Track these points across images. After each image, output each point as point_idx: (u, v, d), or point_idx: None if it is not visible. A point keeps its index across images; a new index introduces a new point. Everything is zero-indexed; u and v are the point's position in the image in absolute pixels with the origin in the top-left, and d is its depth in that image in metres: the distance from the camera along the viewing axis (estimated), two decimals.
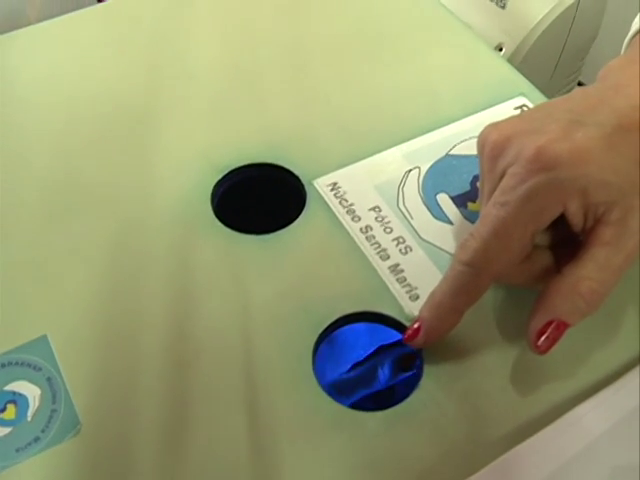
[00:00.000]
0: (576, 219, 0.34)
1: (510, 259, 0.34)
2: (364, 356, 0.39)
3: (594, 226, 0.34)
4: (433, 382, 0.35)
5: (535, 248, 0.35)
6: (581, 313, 0.34)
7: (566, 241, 0.36)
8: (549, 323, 0.33)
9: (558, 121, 0.35)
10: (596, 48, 0.90)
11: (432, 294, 0.36)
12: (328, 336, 0.37)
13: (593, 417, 0.33)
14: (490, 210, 0.34)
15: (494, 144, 0.36)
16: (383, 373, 0.39)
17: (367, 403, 0.37)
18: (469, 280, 0.34)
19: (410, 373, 0.37)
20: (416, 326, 0.35)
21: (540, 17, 0.67)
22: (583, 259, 0.34)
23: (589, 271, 0.33)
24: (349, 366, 0.39)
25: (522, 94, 0.48)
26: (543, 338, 0.33)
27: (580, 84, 1.01)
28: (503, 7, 0.66)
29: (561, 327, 0.33)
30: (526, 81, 0.49)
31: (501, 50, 0.69)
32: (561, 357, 0.36)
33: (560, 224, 0.34)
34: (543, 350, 0.34)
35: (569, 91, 0.95)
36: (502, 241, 0.34)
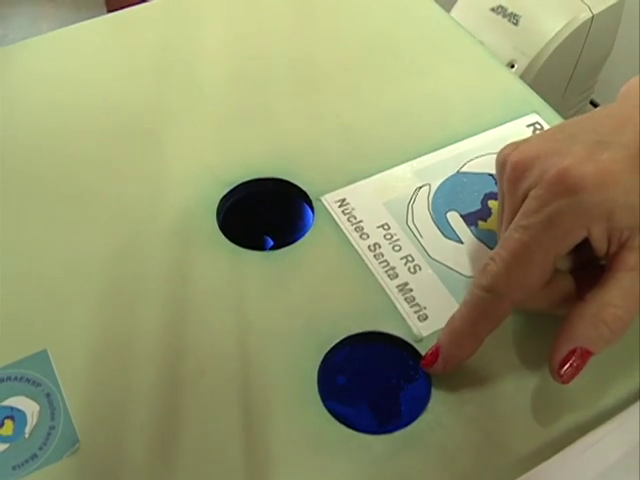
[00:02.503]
0: (600, 243, 0.33)
1: (532, 284, 0.33)
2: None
3: (618, 251, 0.33)
4: (440, 405, 0.34)
5: (556, 272, 0.34)
6: (605, 341, 0.33)
7: (587, 265, 0.35)
8: (573, 351, 0.32)
9: (582, 142, 0.34)
10: (609, 66, 0.90)
11: (452, 319, 0.35)
12: (333, 356, 0.36)
13: (606, 444, 0.32)
14: (512, 234, 0.33)
15: (515, 165, 0.35)
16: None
17: (369, 420, 0.36)
18: (489, 306, 0.33)
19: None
20: (434, 351, 0.35)
21: (553, 34, 0.67)
22: (607, 285, 0.33)
23: (613, 298, 0.32)
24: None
25: (535, 111, 0.48)
26: (566, 367, 0.33)
27: (592, 102, 1.01)
28: (516, 24, 0.66)
29: (585, 355, 0.32)
30: (539, 98, 0.49)
31: (513, 67, 0.69)
32: (573, 383, 0.35)
33: (582, 248, 0.33)
34: (566, 379, 0.33)
35: (581, 109, 0.94)
36: (524, 266, 0.33)
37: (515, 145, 0.37)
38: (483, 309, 0.33)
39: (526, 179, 0.34)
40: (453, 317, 0.35)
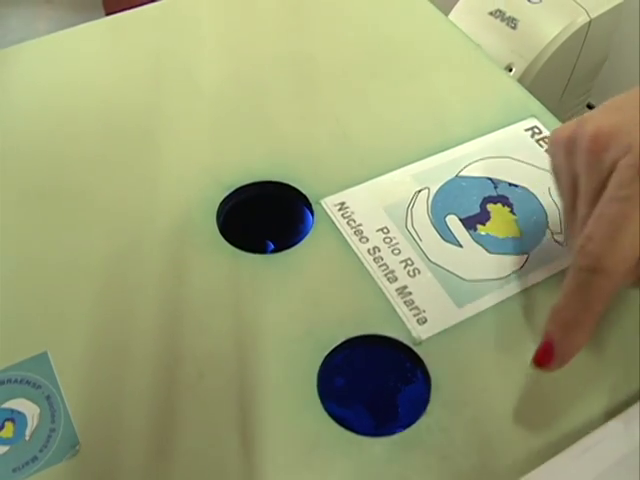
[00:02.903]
0: None
1: (637, 256, 0.31)
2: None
3: None
4: (440, 408, 0.34)
5: None
6: None
7: None
8: None
9: None
10: (606, 69, 0.90)
11: (557, 311, 0.33)
12: (333, 359, 0.36)
13: (604, 446, 0.32)
14: (609, 207, 0.31)
15: (596, 136, 0.33)
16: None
17: (368, 422, 0.36)
18: (599, 286, 0.31)
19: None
20: (546, 348, 0.33)
21: (551, 38, 0.67)
22: None
23: None
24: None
25: (533, 116, 0.48)
26: None
27: (589, 105, 1.01)
28: (514, 27, 0.66)
29: None
30: (537, 102, 0.49)
31: (511, 70, 0.69)
32: (572, 385, 0.35)
33: None
34: None
35: (578, 112, 0.95)
36: (629, 238, 0.31)
37: (583, 120, 0.34)
38: (592, 291, 0.32)
39: (613, 149, 0.32)
40: (558, 309, 0.33)
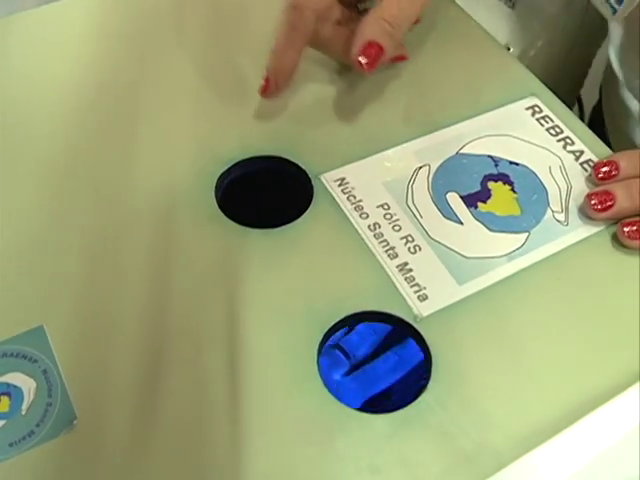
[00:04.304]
0: None
1: None
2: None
3: None
4: (440, 385, 0.34)
5: (348, 19, 0.45)
6: (389, 34, 0.41)
7: None
8: (364, 44, 0.41)
9: None
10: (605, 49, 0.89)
11: (272, 48, 0.43)
12: (333, 336, 0.36)
13: (604, 426, 0.33)
14: None
15: None
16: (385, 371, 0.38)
17: (368, 398, 0.36)
18: (295, 18, 0.42)
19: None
20: (265, 79, 0.43)
21: (549, 17, 0.66)
22: (381, 1, 0.42)
23: (387, 3, 0.42)
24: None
25: (533, 94, 0.47)
26: (363, 57, 0.41)
27: (579, 100, 1.00)
28: (512, 7, 0.66)
29: (376, 47, 0.41)
30: (537, 81, 0.49)
31: (509, 49, 0.69)
32: (573, 363, 0.35)
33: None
34: (366, 66, 0.41)
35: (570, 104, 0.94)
36: None
37: None
38: (291, 22, 0.42)
39: None
40: (274, 46, 0.43)
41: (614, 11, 0.42)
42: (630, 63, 0.57)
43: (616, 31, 0.57)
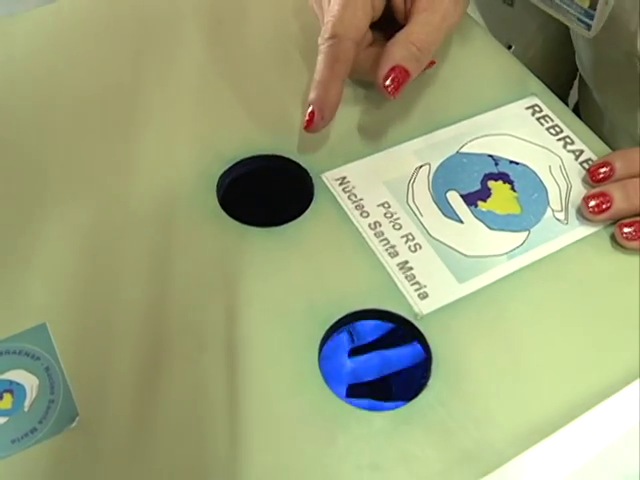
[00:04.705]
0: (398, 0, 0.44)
1: (361, 24, 0.42)
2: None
3: (412, 4, 0.43)
4: (440, 382, 0.34)
5: (374, 41, 0.45)
6: (416, 59, 0.41)
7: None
8: (392, 69, 0.41)
9: None
10: None
11: (313, 80, 0.41)
12: (334, 333, 0.36)
13: (605, 423, 0.33)
14: None
15: None
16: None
17: (369, 396, 0.37)
18: (337, 49, 0.41)
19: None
20: (310, 113, 0.41)
21: (548, 16, 0.66)
22: (409, 23, 0.42)
23: (416, 27, 0.42)
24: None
25: (533, 94, 0.48)
26: (389, 81, 0.41)
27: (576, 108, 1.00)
28: (511, 4, 0.66)
29: (403, 72, 0.41)
30: (537, 80, 0.49)
31: (510, 48, 0.69)
32: (573, 361, 0.35)
33: (391, 21, 0.44)
34: (392, 91, 0.41)
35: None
36: (350, 10, 0.42)
37: None
38: (333, 53, 0.41)
39: None
40: (314, 78, 0.41)
41: (588, 27, 0.43)
42: (599, 78, 0.58)
43: (581, 44, 0.58)
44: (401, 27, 0.43)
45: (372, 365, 0.38)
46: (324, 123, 0.41)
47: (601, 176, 0.41)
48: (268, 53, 0.49)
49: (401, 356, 0.37)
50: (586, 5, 0.41)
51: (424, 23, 0.42)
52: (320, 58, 0.41)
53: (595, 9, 0.41)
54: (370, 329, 0.38)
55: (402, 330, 0.36)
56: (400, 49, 0.41)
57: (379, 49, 0.43)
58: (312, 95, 0.41)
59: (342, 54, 0.41)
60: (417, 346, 0.36)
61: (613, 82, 0.55)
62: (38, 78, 0.47)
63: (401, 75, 0.41)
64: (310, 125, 0.41)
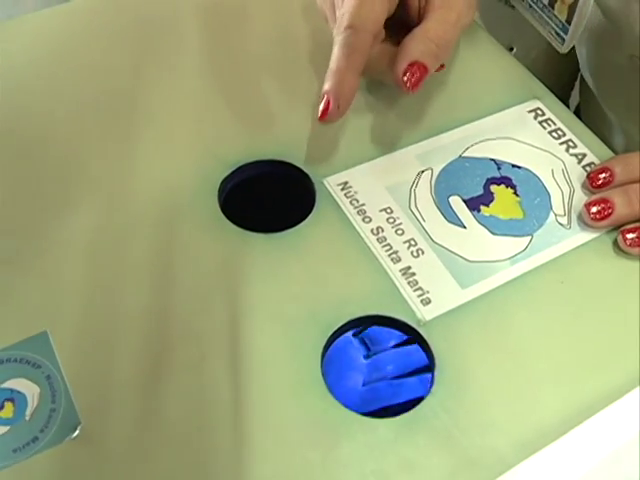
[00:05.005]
0: None
1: (378, 17, 0.41)
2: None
3: (427, 1, 0.42)
4: (444, 389, 0.34)
5: (388, 38, 0.43)
6: (434, 55, 0.41)
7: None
8: (411, 64, 0.40)
9: None
10: None
11: (329, 69, 0.40)
12: (337, 340, 0.36)
13: (610, 429, 0.33)
14: None
15: None
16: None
17: (372, 403, 0.36)
18: (354, 39, 0.40)
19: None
20: (325, 101, 0.39)
21: None
22: (425, 20, 0.41)
23: (432, 24, 0.41)
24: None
25: (535, 97, 0.47)
26: (408, 76, 0.40)
27: (578, 111, 0.99)
28: (513, 7, 0.65)
29: (422, 69, 0.40)
30: (540, 84, 0.49)
31: (512, 50, 0.69)
32: (577, 367, 0.35)
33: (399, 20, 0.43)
34: (410, 86, 0.40)
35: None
36: (367, 3, 0.40)
37: None
38: (350, 44, 0.40)
39: None
40: (329, 67, 0.40)
41: (562, 41, 0.43)
42: (601, 82, 0.58)
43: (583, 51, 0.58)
44: (409, 26, 0.42)
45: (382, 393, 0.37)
46: (339, 114, 0.40)
47: (601, 182, 0.41)
48: (270, 57, 0.49)
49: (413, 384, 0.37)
50: (563, 18, 0.41)
51: (441, 20, 0.41)
52: (336, 48, 0.40)
53: (570, 23, 0.41)
54: (383, 335, 0.38)
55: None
56: (419, 44, 0.40)
57: (391, 46, 0.43)
58: (327, 85, 0.40)
59: (359, 45, 0.40)
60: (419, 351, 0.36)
61: (616, 85, 0.55)
62: (38, 83, 0.47)
63: (420, 71, 0.40)
64: (325, 115, 0.39)
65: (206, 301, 0.37)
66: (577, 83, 0.74)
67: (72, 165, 0.43)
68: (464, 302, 0.37)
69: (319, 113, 0.39)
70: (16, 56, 0.49)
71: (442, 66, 0.44)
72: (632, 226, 0.39)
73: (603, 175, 0.41)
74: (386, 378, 0.38)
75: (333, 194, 0.41)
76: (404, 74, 0.40)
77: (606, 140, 0.45)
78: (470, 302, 0.37)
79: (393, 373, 0.38)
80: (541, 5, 0.44)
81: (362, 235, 0.39)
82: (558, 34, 0.42)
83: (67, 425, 0.32)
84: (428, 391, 0.34)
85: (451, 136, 0.45)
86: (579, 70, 0.72)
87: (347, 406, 0.33)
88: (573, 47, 0.60)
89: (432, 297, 0.37)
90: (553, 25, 0.42)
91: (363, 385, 0.37)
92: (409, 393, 0.37)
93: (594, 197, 0.40)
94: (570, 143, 0.45)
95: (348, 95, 0.40)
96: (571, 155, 0.44)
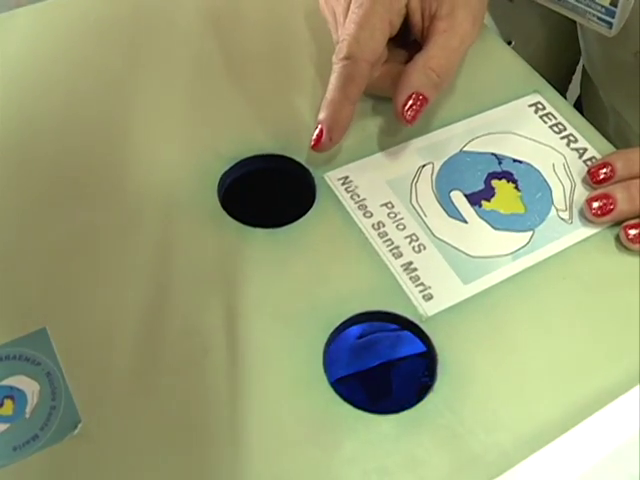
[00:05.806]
0: (416, 17, 0.42)
1: (377, 46, 0.41)
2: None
3: (431, 23, 0.42)
4: (447, 386, 0.34)
5: (391, 58, 0.43)
6: (435, 85, 0.41)
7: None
8: (410, 96, 0.40)
9: None
10: None
11: (325, 99, 0.40)
12: (339, 335, 0.35)
13: (614, 424, 0.32)
14: (350, 15, 0.41)
15: None
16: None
17: (375, 399, 0.36)
18: (351, 69, 0.40)
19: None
20: (319, 131, 0.40)
21: (548, 11, 0.66)
22: (428, 46, 0.41)
23: (434, 52, 0.41)
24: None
25: (536, 91, 0.47)
26: (407, 108, 0.40)
27: (578, 104, 0.99)
28: (511, 0, 0.65)
29: (422, 100, 0.40)
30: (540, 78, 0.48)
31: (510, 43, 0.68)
32: (580, 362, 0.35)
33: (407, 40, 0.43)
34: (410, 119, 0.40)
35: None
36: (367, 30, 0.40)
37: None
38: (347, 74, 0.40)
39: None
40: (325, 97, 0.40)
41: (609, 25, 0.42)
42: (606, 77, 0.57)
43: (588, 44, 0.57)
44: (416, 42, 0.42)
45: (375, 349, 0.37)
46: (331, 144, 0.40)
47: (602, 177, 0.41)
48: (270, 52, 0.49)
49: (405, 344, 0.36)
50: (607, 3, 0.40)
51: (443, 47, 0.41)
52: (333, 77, 0.40)
53: (617, 6, 0.40)
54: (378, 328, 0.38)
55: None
56: (419, 75, 0.40)
57: (394, 66, 0.43)
58: (322, 114, 0.40)
59: (356, 75, 0.40)
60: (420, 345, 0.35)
61: (620, 81, 0.55)
62: (33, 77, 0.47)
63: (420, 102, 0.40)
64: (317, 145, 0.40)
65: (205, 296, 0.37)
66: (575, 77, 0.74)
67: (69, 160, 0.42)
68: (466, 297, 0.37)
69: (312, 141, 0.40)
70: (10, 50, 0.48)
71: None
72: (634, 222, 0.39)
73: (604, 170, 0.41)
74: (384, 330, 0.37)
75: (334, 189, 0.41)
76: (404, 106, 0.40)
77: (608, 135, 0.45)
78: (472, 297, 0.37)
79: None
80: None
81: (363, 230, 0.39)
82: (602, 19, 0.42)
83: (67, 423, 0.32)
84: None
85: (452, 130, 0.44)
86: (577, 63, 0.72)
87: (351, 402, 0.33)
88: (577, 40, 0.60)
89: (434, 293, 0.37)
90: (594, 12, 0.41)
91: (359, 338, 0.37)
92: (407, 349, 0.36)
93: (596, 192, 0.40)
94: (571, 137, 0.44)
95: (342, 126, 0.40)
96: (572, 149, 0.44)
